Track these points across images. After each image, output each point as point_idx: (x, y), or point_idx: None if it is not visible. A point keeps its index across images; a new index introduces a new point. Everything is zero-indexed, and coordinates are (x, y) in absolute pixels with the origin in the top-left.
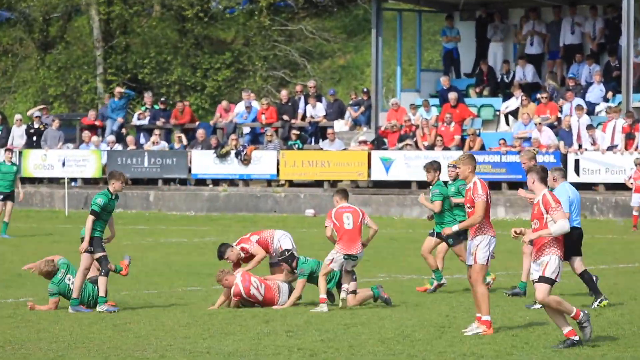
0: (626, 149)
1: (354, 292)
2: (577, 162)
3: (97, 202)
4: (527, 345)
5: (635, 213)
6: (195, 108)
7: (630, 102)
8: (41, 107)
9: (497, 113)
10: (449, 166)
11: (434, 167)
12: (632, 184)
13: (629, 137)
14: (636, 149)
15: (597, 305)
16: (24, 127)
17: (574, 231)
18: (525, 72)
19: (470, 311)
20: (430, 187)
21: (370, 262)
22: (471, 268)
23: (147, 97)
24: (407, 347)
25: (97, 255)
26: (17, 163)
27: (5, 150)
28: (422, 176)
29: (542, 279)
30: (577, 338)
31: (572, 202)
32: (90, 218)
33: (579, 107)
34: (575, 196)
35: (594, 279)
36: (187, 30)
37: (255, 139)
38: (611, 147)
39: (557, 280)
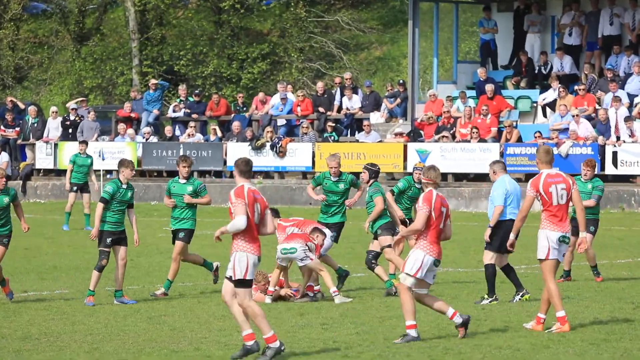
0: None
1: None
2: (615, 154)
3: (106, 189)
4: (564, 338)
5: None
6: (232, 100)
7: None
8: (80, 99)
9: (535, 105)
10: (415, 168)
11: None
12: None
13: None
14: None
15: (519, 298)
16: (60, 119)
17: (509, 223)
18: (563, 64)
19: (506, 304)
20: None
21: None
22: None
23: (182, 89)
24: (442, 339)
25: (99, 248)
26: (91, 155)
27: (80, 143)
28: (459, 168)
29: (237, 282)
30: (251, 343)
31: (508, 195)
32: (100, 205)
33: (616, 99)
34: (514, 189)
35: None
36: (223, 21)
37: (291, 131)
38: None
39: (246, 278)
